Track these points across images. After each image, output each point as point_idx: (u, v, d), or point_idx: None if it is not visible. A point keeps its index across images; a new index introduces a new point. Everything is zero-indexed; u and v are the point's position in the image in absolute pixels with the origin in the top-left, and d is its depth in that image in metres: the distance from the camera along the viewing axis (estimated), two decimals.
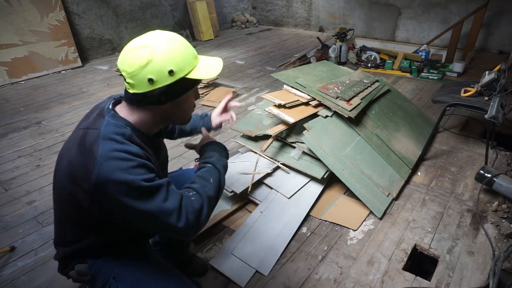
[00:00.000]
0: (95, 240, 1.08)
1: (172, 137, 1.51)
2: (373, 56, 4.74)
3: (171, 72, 0.94)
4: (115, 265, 1.09)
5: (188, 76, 0.98)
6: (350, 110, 2.31)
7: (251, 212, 2.04)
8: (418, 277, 1.67)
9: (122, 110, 1.03)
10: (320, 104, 2.40)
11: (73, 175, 0.95)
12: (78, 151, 0.95)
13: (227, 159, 1.23)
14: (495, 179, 2.11)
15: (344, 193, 2.22)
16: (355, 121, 2.36)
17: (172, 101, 1.01)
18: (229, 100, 1.52)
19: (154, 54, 0.92)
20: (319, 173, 2.15)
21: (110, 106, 1.03)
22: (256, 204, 2.09)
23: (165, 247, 1.57)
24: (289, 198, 2.08)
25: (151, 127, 1.07)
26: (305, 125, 2.24)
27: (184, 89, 1.01)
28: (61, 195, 1.03)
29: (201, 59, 1.05)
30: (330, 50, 4.80)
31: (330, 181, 2.27)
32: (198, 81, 1.05)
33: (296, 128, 2.34)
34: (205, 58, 1.06)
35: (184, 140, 2.70)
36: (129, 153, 0.92)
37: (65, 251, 1.12)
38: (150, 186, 0.91)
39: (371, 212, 2.06)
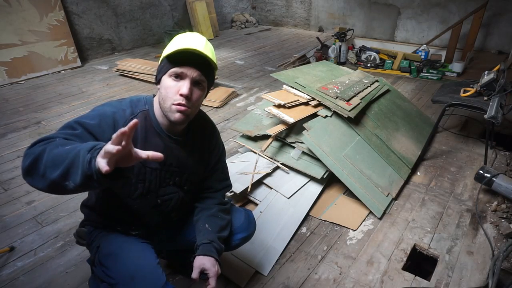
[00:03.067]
0: (95, 202, 1.24)
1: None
2: (372, 56, 4.74)
3: (164, 52, 1.09)
4: (103, 238, 1.21)
5: (164, 56, 1.06)
6: (350, 110, 2.31)
7: None
8: (417, 277, 1.67)
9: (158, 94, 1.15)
10: (319, 104, 2.40)
11: None
12: None
13: None
14: (494, 179, 2.11)
15: (343, 193, 2.22)
16: (354, 121, 2.36)
17: (159, 83, 1.09)
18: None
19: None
20: (319, 173, 2.15)
21: None
22: (256, 204, 2.08)
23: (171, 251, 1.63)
24: (288, 198, 2.08)
25: (164, 118, 1.11)
26: (305, 125, 2.24)
27: (162, 69, 1.08)
28: None
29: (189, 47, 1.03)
30: (330, 50, 4.80)
31: (329, 181, 2.27)
32: (172, 65, 1.04)
33: (295, 128, 2.34)
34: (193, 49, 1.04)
35: None
36: (107, 108, 1.07)
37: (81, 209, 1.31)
38: (75, 123, 1.00)
39: (370, 212, 2.06)
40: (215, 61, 1.10)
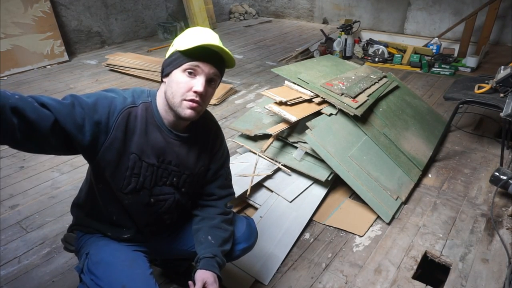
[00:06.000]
0: (87, 202, 1.25)
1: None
2: (380, 50, 4.75)
3: (172, 45, 1.12)
4: (93, 244, 1.22)
5: (178, 49, 1.09)
6: (356, 108, 2.32)
7: None
8: (428, 286, 1.67)
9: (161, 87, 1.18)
10: (324, 101, 2.41)
11: None
12: None
13: None
14: (511, 182, 2.11)
15: (349, 197, 2.22)
16: (361, 120, 2.36)
17: (168, 76, 1.11)
18: None
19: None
20: (323, 175, 2.15)
21: None
22: (256, 209, 2.09)
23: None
24: (290, 202, 2.08)
25: (168, 113, 1.14)
26: (308, 123, 2.24)
27: (174, 62, 1.09)
28: None
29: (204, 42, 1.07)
30: (335, 44, 4.81)
31: (334, 183, 2.27)
32: (188, 60, 1.06)
33: (298, 127, 2.34)
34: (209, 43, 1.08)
35: None
36: (109, 93, 1.10)
37: (71, 210, 1.34)
38: (70, 95, 1.02)
39: (378, 217, 2.06)
40: (233, 58, 1.13)
